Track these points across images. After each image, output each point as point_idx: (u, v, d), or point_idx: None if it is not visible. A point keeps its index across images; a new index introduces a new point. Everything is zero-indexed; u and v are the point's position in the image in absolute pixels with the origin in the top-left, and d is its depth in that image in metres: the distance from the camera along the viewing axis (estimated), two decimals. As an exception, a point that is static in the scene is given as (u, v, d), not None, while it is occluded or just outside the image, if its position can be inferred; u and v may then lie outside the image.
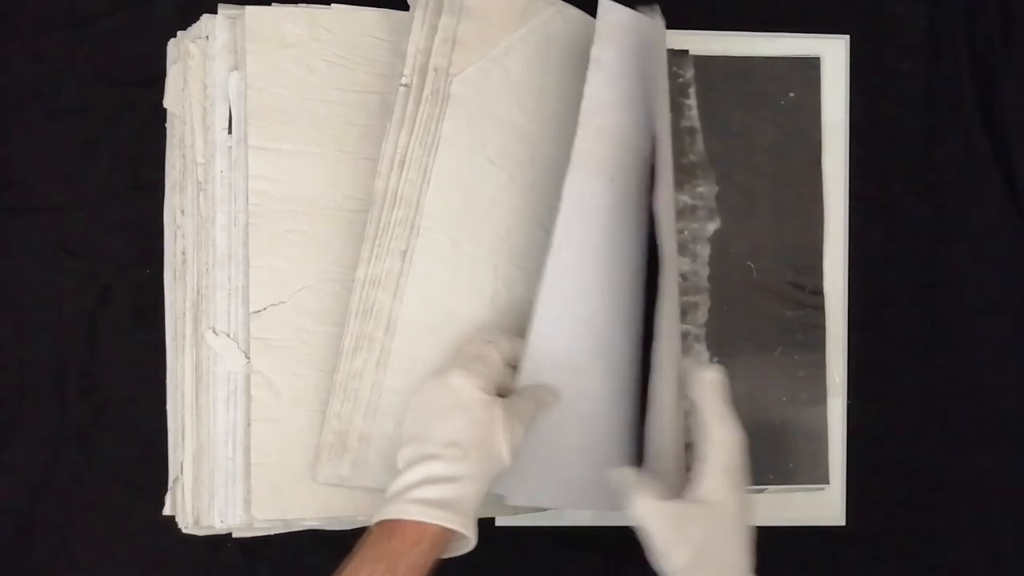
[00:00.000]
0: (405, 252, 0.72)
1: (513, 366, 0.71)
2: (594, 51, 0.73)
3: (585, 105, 0.72)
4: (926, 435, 0.88)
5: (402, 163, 0.72)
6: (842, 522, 0.87)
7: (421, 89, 0.72)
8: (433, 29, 0.73)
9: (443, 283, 0.73)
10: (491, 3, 0.74)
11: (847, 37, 0.88)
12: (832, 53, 0.88)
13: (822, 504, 0.86)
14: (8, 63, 0.85)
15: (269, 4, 0.76)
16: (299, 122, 0.74)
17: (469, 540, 0.65)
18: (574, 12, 0.78)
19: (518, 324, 0.73)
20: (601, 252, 0.73)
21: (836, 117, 0.88)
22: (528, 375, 0.71)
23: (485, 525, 0.83)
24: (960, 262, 0.89)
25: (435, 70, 0.73)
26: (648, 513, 0.65)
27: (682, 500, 0.66)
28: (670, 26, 0.86)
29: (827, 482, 0.85)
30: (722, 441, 0.67)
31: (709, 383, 0.68)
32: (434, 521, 0.63)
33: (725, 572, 0.65)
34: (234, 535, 0.75)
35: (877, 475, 0.88)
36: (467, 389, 0.66)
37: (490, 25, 0.74)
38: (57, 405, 0.83)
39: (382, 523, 0.63)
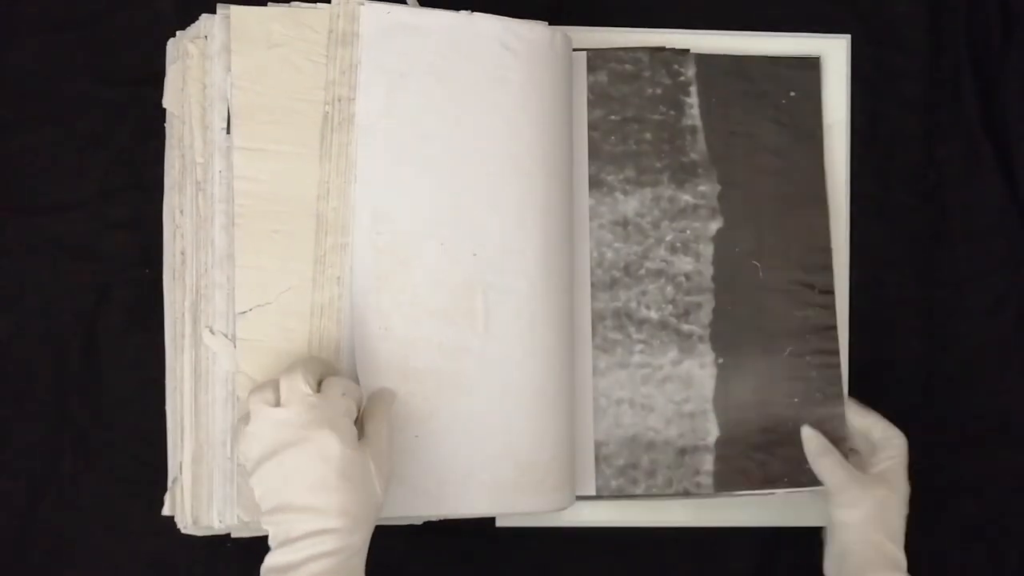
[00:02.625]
0: (339, 278, 0.74)
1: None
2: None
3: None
4: (926, 435, 0.88)
5: (327, 192, 0.74)
6: (843, 523, 0.86)
7: (332, 119, 0.74)
8: (335, 60, 0.74)
9: (383, 302, 0.75)
10: (383, 30, 0.75)
11: (848, 37, 0.88)
12: (833, 53, 0.88)
13: (824, 504, 0.86)
14: (7, 62, 0.85)
15: (265, 4, 0.76)
16: (285, 122, 0.74)
17: None
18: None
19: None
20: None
21: (837, 117, 0.87)
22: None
23: (485, 525, 0.84)
24: (960, 262, 0.89)
25: (339, 100, 0.74)
26: (835, 472, 0.80)
27: (865, 472, 0.80)
28: (672, 25, 0.87)
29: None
30: (892, 437, 0.81)
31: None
32: None
33: (886, 540, 0.77)
34: (233, 535, 0.75)
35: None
36: (341, 454, 0.64)
37: (382, 47, 0.75)
38: (56, 405, 0.83)
39: None
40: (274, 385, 0.67)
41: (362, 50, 0.74)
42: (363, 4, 0.75)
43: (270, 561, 0.64)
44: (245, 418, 0.67)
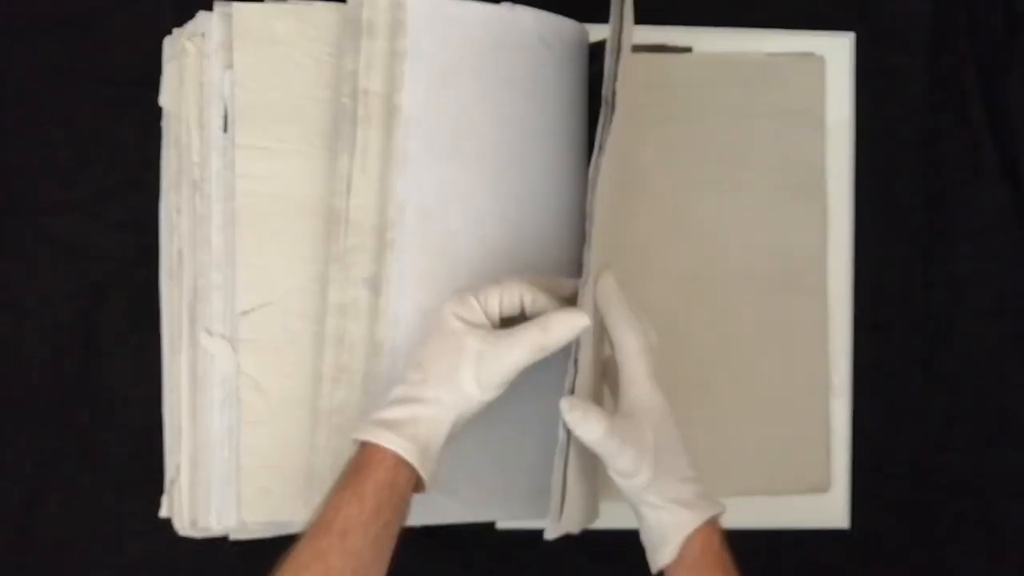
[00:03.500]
0: (373, 278, 0.71)
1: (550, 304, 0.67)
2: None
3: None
4: (926, 436, 0.88)
5: (348, 188, 0.72)
6: (846, 525, 0.86)
7: (355, 112, 0.72)
8: (356, 52, 0.72)
9: (428, 300, 0.72)
10: (429, 20, 0.73)
11: (851, 35, 0.88)
12: (836, 52, 0.87)
13: (826, 506, 0.86)
14: (5, 62, 0.84)
15: (262, 0, 0.75)
16: (287, 120, 0.73)
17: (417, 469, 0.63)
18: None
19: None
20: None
21: (840, 115, 0.87)
22: None
23: (486, 528, 0.84)
24: (963, 262, 0.89)
25: (365, 93, 0.72)
26: (599, 437, 0.64)
27: (621, 414, 0.67)
28: (673, 23, 0.86)
29: (826, 489, 0.85)
30: (634, 346, 0.67)
31: (605, 288, 0.68)
32: (378, 441, 0.62)
33: (679, 480, 0.66)
34: (231, 537, 0.75)
35: (880, 477, 0.87)
36: (445, 316, 0.65)
37: (428, 38, 0.73)
38: (54, 405, 0.83)
39: (356, 444, 0.63)
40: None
41: (408, 41, 0.72)
42: None
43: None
44: None
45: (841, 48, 0.87)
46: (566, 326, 0.65)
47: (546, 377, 0.69)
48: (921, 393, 0.89)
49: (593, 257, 0.67)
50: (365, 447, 0.63)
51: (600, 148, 0.68)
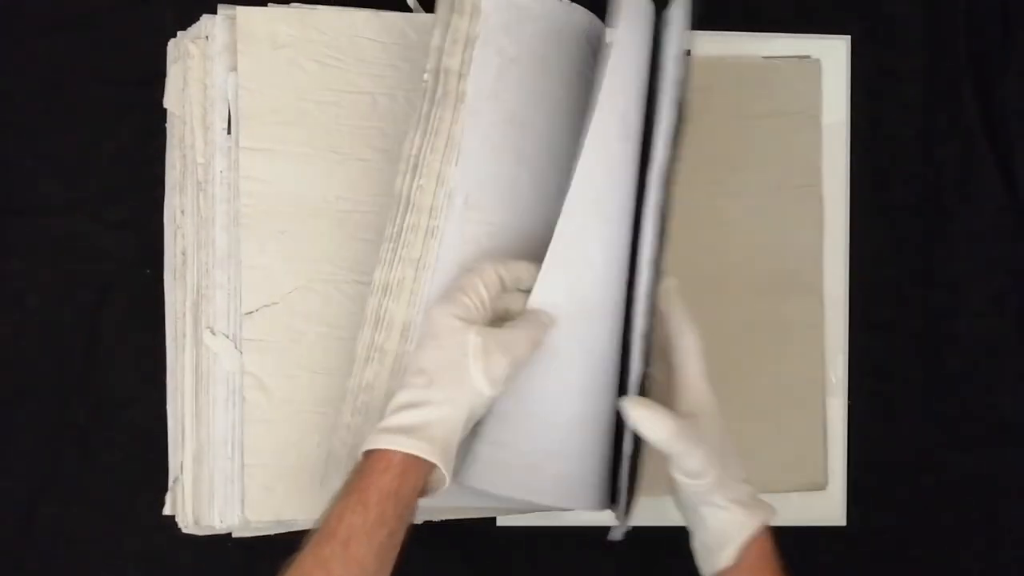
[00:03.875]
0: (419, 260, 0.69)
1: (522, 289, 0.68)
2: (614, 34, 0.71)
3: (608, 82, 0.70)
4: (926, 435, 0.89)
5: (415, 167, 0.70)
6: (843, 522, 0.87)
7: (435, 91, 0.70)
8: (445, 27, 0.70)
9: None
10: (501, 7, 0.71)
11: (847, 38, 0.88)
12: (832, 53, 0.88)
13: (823, 504, 0.86)
14: (8, 63, 0.85)
15: (265, 4, 0.76)
16: (291, 122, 0.74)
17: (440, 471, 0.63)
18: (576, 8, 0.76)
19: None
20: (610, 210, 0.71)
21: (836, 117, 0.88)
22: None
23: (486, 525, 0.84)
24: (960, 262, 0.89)
25: (445, 72, 0.70)
26: (667, 436, 0.65)
27: (681, 415, 0.66)
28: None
29: (823, 487, 0.85)
30: (693, 348, 0.68)
31: (669, 291, 0.69)
32: (394, 446, 0.61)
33: (737, 480, 0.67)
34: (234, 535, 0.75)
35: (877, 475, 0.88)
36: (439, 317, 0.65)
37: (499, 25, 0.71)
38: (57, 405, 0.83)
39: (361, 456, 0.63)
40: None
41: (481, 25, 0.70)
42: None
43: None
44: None
45: (837, 51, 0.88)
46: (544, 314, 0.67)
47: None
48: (918, 392, 0.89)
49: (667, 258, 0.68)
50: (370, 455, 0.62)
51: (675, 155, 0.67)
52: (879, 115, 0.89)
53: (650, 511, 0.85)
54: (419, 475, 0.62)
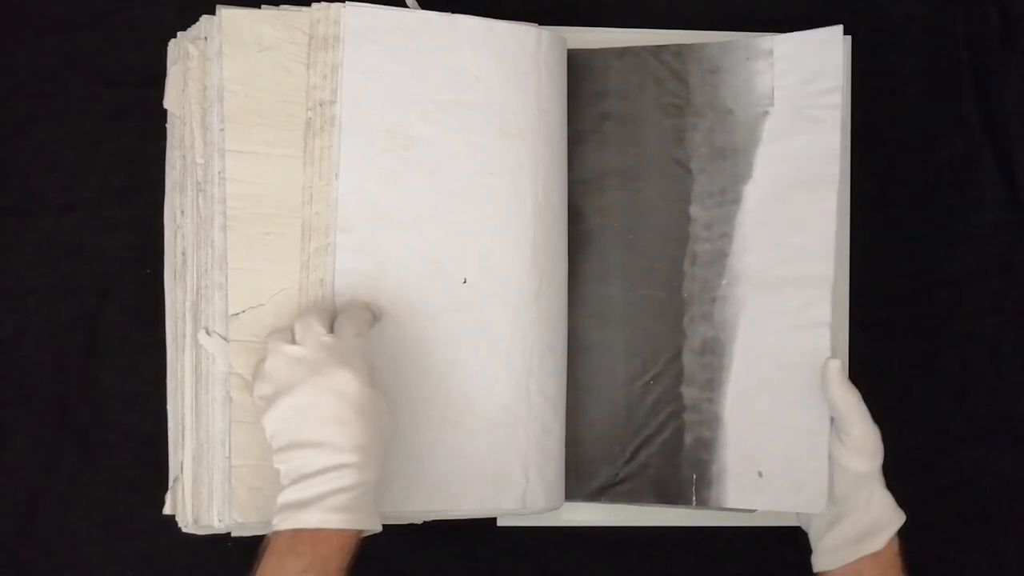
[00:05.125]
0: (323, 281, 0.74)
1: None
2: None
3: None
4: (926, 435, 0.89)
5: (310, 197, 0.74)
6: (842, 522, 0.87)
7: (314, 124, 0.74)
8: (315, 64, 0.74)
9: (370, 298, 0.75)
10: (365, 31, 0.75)
11: (848, 38, 0.88)
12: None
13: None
14: (9, 63, 0.85)
15: (259, 7, 0.76)
16: (276, 125, 0.74)
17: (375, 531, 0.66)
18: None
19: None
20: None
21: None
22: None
23: (486, 525, 0.84)
24: (959, 262, 0.89)
25: (320, 104, 0.74)
26: (858, 400, 0.72)
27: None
28: (672, 26, 0.87)
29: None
30: (862, 441, 0.72)
31: (831, 372, 0.73)
32: (359, 527, 0.63)
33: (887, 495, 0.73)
34: (233, 534, 0.75)
35: (877, 475, 0.88)
36: (358, 391, 0.65)
37: (361, 44, 0.75)
38: (57, 405, 0.83)
39: (298, 532, 0.63)
40: (290, 328, 0.68)
41: (344, 52, 0.74)
42: (344, 6, 0.75)
43: (284, 498, 0.64)
44: (262, 360, 0.68)
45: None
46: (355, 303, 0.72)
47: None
48: (918, 392, 0.89)
49: None
50: (320, 533, 0.63)
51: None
52: (879, 115, 0.89)
53: (648, 511, 0.85)
54: (358, 539, 0.65)
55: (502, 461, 0.75)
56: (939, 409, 0.89)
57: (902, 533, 0.72)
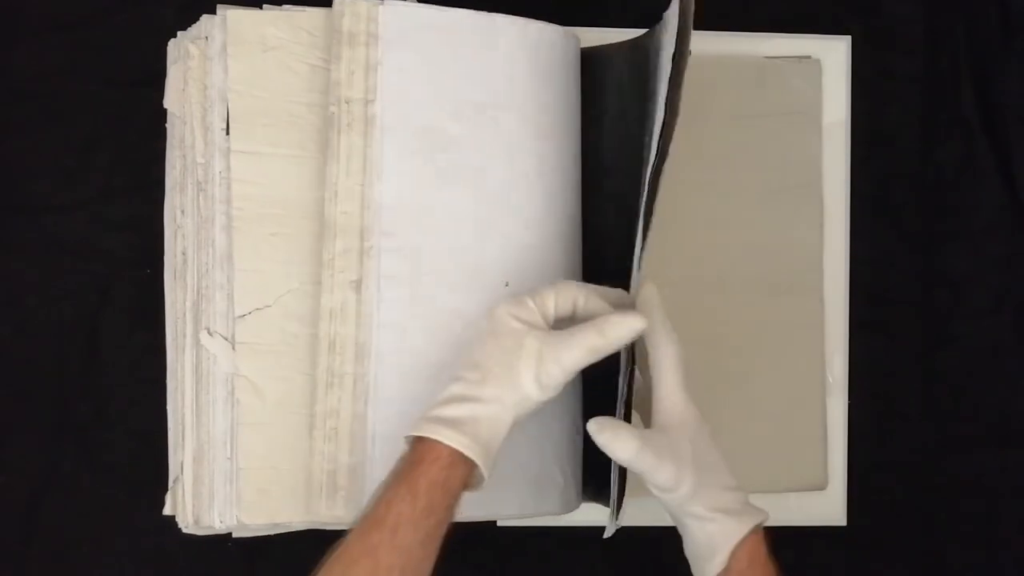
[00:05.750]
0: (358, 282, 0.72)
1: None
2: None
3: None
4: (926, 435, 0.89)
5: (336, 194, 0.72)
6: (843, 522, 0.87)
7: (339, 120, 0.72)
8: (339, 60, 0.73)
9: (404, 305, 0.73)
10: (403, 29, 0.74)
11: (848, 38, 0.88)
12: (832, 54, 0.88)
13: (823, 504, 0.86)
14: (8, 63, 0.85)
15: (260, 7, 0.76)
16: (282, 125, 0.74)
17: (480, 471, 0.63)
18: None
19: None
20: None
21: (836, 117, 0.88)
22: None
23: (486, 525, 0.84)
24: (960, 262, 0.90)
25: (348, 102, 0.73)
26: (632, 455, 0.64)
27: (655, 429, 0.67)
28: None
29: (823, 487, 0.85)
30: (670, 358, 0.67)
31: (647, 297, 0.68)
32: (440, 438, 0.62)
33: (721, 489, 0.66)
34: (234, 535, 0.75)
35: (877, 475, 0.88)
36: (502, 317, 0.65)
37: (397, 44, 0.73)
38: (57, 405, 0.83)
39: (409, 442, 0.63)
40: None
41: (382, 51, 0.73)
42: (382, 3, 0.73)
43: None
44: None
45: (837, 51, 0.88)
46: (622, 328, 0.65)
47: None
48: (919, 392, 0.89)
49: (646, 261, 0.68)
50: (420, 443, 0.62)
51: (663, 154, 0.67)
52: (879, 115, 0.89)
53: (647, 511, 0.85)
54: (465, 469, 0.63)
55: (543, 461, 0.74)
56: (939, 409, 0.89)
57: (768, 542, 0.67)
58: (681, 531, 0.68)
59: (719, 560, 0.65)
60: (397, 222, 0.72)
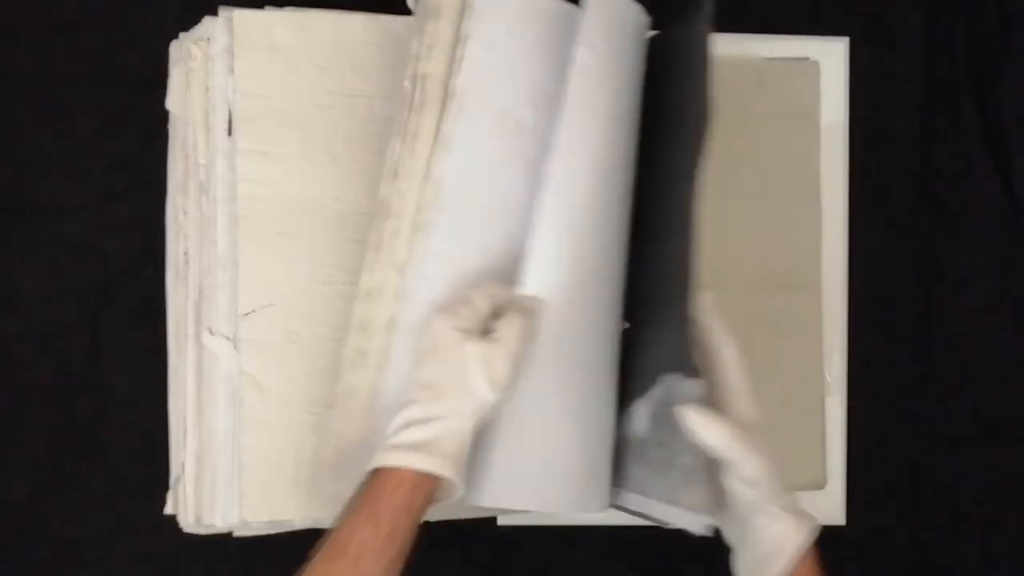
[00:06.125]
0: (403, 263, 0.70)
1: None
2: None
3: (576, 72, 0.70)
4: (926, 435, 0.89)
5: (395, 173, 0.70)
6: (842, 522, 0.87)
7: (412, 97, 0.70)
8: (421, 33, 0.70)
9: (445, 284, 0.70)
10: (496, 4, 0.71)
11: (846, 40, 0.88)
12: (832, 55, 0.88)
13: (822, 503, 0.86)
14: (11, 64, 0.85)
15: (262, 7, 0.76)
16: (288, 125, 0.74)
17: (453, 482, 0.63)
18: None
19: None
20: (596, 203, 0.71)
21: (835, 118, 0.88)
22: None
23: (486, 525, 0.84)
24: (959, 262, 0.90)
25: (423, 77, 0.70)
26: (725, 442, 0.65)
27: (739, 424, 0.67)
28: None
29: (822, 486, 0.85)
30: (735, 360, 0.69)
31: (707, 306, 0.70)
32: (407, 464, 0.62)
33: (785, 490, 0.67)
34: (235, 534, 0.76)
35: (877, 475, 0.88)
36: (441, 330, 0.65)
37: (493, 20, 0.70)
38: (59, 404, 0.83)
39: (370, 473, 0.63)
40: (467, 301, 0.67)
41: (475, 22, 0.70)
42: None
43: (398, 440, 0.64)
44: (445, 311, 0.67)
45: (836, 53, 0.88)
46: (532, 303, 0.67)
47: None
48: (918, 392, 0.89)
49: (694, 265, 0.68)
50: (382, 472, 0.62)
51: (698, 166, 0.68)
52: (879, 116, 0.89)
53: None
54: (431, 489, 0.63)
55: (595, 457, 0.71)
56: (939, 409, 0.89)
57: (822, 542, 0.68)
58: (743, 533, 0.67)
59: (782, 563, 0.65)
60: (455, 200, 0.70)
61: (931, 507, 0.88)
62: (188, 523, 0.76)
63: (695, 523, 0.68)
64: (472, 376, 0.64)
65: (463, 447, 0.64)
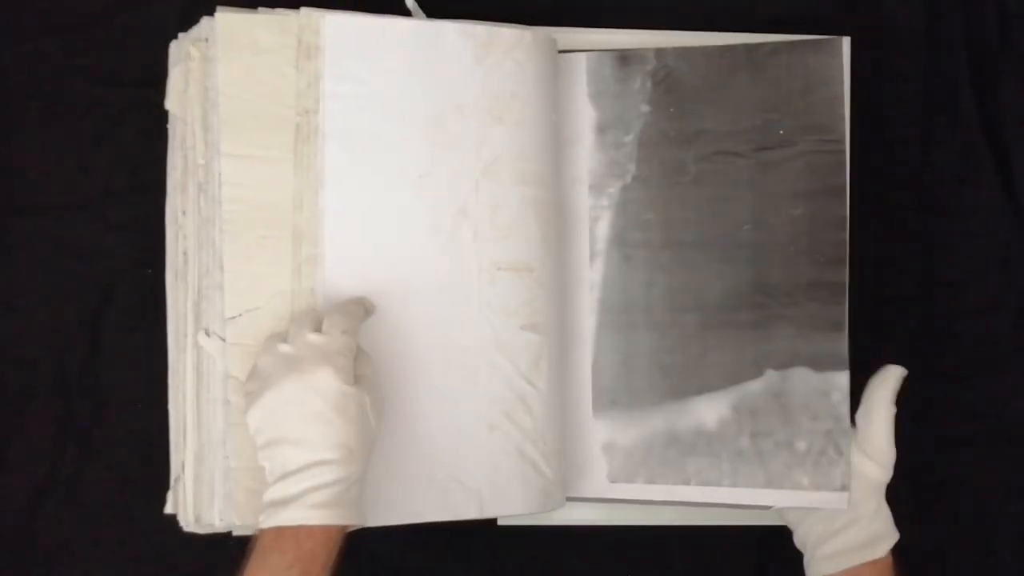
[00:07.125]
0: (312, 290, 0.74)
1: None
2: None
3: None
4: (925, 435, 0.89)
5: (301, 203, 0.74)
6: (842, 522, 0.87)
7: (302, 129, 0.74)
8: (303, 71, 0.74)
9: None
10: (345, 40, 0.75)
11: (847, 39, 0.88)
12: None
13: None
14: (10, 63, 0.85)
15: (255, 8, 0.76)
16: (271, 128, 0.74)
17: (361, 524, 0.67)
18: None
19: None
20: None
21: (835, 118, 0.87)
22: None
23: (486, 525, 0.84)
24: (959, 262, 0.90)
25: (306, 112, 0.74)
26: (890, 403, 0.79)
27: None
28: (670, 27, 0.87)
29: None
30: (882, 452, 0.78)
31: (885, 376, 0.79)
32: (342, 522, 0.64)
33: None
34: (234, 534, 0.76)
35: (876, 475, 0.88)
36: (336, 389, 0.66)
37: (346, 57, 0.75)
38: (59, 404, 0.84)
39: (281, 530, 0.63)
40: (287, 330, 0.70)
41: (325, 62, 0.74)
42: (324, 15, 0.74)
43: (269, 495, 0.65)
44: (256, 360, 0.69)
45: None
46: (352, 303, 0.72)
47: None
48: (917, 392, 0.89)
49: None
50: (303, 529, 0.63)
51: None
52: (879, 115, 0.89)
53: (647, 511, 0.85)
54: (342, 534, 0.65)
55: (521, 459, 0.76)
56: (939, 409, 0.89)
57: (895, 551, 0.77)
58: (858, 513, 0.76)
59: (886, 544, 0.75)
60: (340, 229, 0.74)
61: (930, 507, 0.88)
62: (188, 523, 0.76)
63: (805, 500, 0.77)
64: (373, 423, 0.67)
65: (362, 483, 0.67)
